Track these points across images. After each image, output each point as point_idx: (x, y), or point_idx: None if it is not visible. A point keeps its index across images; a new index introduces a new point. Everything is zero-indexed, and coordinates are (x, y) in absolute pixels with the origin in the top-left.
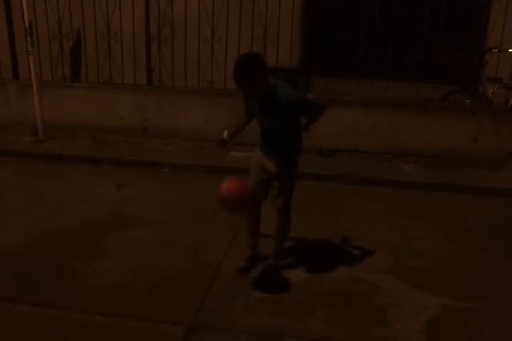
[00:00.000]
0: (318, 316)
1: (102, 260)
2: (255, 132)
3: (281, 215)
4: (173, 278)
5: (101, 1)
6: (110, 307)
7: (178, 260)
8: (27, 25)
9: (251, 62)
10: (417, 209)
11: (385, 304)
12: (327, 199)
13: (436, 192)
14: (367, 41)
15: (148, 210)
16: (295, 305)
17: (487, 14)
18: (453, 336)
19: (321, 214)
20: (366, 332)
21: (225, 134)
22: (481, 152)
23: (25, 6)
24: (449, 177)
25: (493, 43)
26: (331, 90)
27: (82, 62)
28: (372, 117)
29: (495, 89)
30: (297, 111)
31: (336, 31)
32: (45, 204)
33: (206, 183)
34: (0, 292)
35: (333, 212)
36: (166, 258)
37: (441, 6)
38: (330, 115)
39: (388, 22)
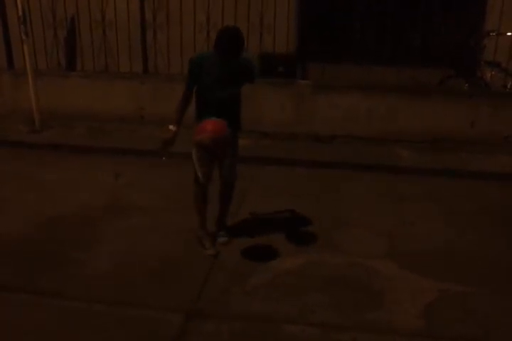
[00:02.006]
0: (314, 301)
1: (99, 248)
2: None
3: (233, 185)
4: (171, 266)
5: None
6: (108, 295)
7: (175, 247)
8: (20, 13)
9: (241, 33)
10: (414, 194)
11: (382, 288)
12: (324, 185)
13: (433, 176)
14: (363, 26)
15: (145, 198)
16: (292, 291)
17: None
18: (451, 320)
19: (318, 200)
20: (363, 316)
21: (171, 127)
22: (478, 136)
23: None
24: (445, 162)
25: (491, 27)
26: (328, 76)
27: (77, 50)
28: (369, 103)
29: (493, 73)
30: (251, 76)
31: (332, 17)
32: (42, 192)
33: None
34: None
35: (330, 198)
36: (164, 246)
37: None
38: (327, 101)
39: (384, 7)
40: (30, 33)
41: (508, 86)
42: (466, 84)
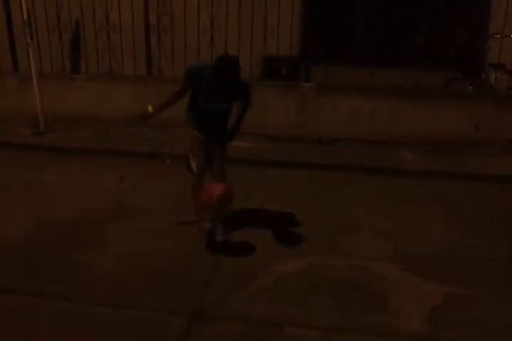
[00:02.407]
0: (317, 304)
1: (101, 250)
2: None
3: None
4: (173, 268)
5: None
6: (110, 298)
7: (177, 250)
8: (25, 16)
9: (237, 63)
10: (416, 197)
11: (384, 291)
12: (327, 187)
13: (436, 179)
14: (366, 29)
15: (148, 201)
16: (294, 293)
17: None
18: (454, 323)
19: (321, 203)
20: (366, 319)
21: (150, 108)
22: (483, 139)
23: None
24: (449, 165)
25: (496, 29)
26: (331, 78)
27: (82, 53)
28: (372, 105)
29: (497, 75)
30: (244, 97)
31: (335, 19)
32: (45, 195)
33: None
34: None
35: (333, 201)
36: (165, 248)
37: None
38: (330, 103)
39: (388, 9)
40: (35, 36)
41: None
42: (471, 87)
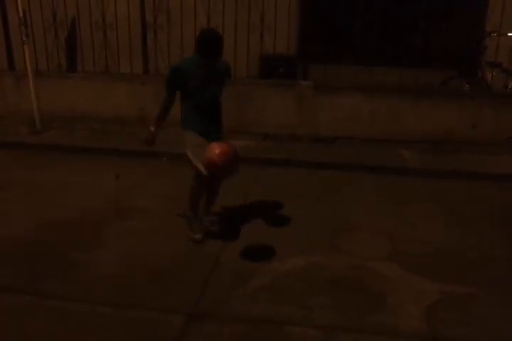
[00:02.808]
0: (316, 303)
1: (101, 250)
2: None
3: (220, 183)
4: (173, 268)
5: None
6: (110, 297)
7: (177, 250)
8: (21, 14)
9: (221, 35)
10: (416, 196)
11: (384, 291)
12: (326, 186)
13: (435, 178)
14: (365, 27)
15: (146, 200)
16: (294, 292)
17: None
18: (453, 322)
19: (320, 202)
20: (366, 318)
21: (152, 128)
22: (480, 137)
23: None
24: (447, 164)
25: (492, 27)
26: (330, 77)
27: (78, 51)
28: (371, 104)
29: (494, 73)
30: (228, 76)
31: (333, 18)
32: (44, 194)
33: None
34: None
35: (331, 200)
36: (166, 249)
37: None
38: (329, 102)
39: (386, 8)
40: (31, 35)
41: (509, 86)
42: (467, 85)
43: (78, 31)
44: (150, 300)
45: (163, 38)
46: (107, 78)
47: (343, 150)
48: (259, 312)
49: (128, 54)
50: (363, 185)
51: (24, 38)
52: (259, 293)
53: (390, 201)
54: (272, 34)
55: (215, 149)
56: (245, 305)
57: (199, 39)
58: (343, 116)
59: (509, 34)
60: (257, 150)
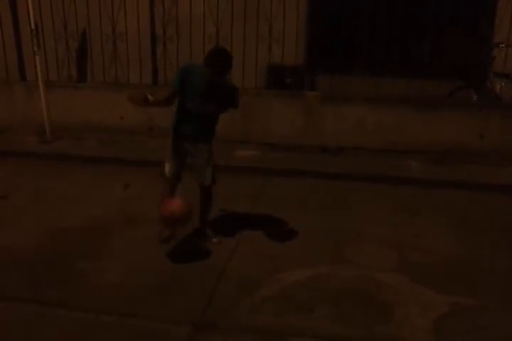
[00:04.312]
0: (323, 314)
1: (107, 259)
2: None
3: (209, 191)
4: (179, 278)
5: (106, 1)
6: (116, 306)
7: (184, 259)
8: (33, 26)
9: (231, 55)
10: (423, 206)
11: (391, 302)
12: (332, 196)
13: (443, 189)
14: (372, 38)
15: (153, 210)
16: (301, 303)
17: (494, 9)
18: (461, 334)
19: (327, 212)
20: (372, 330)
21: (150, 97)
22: (488, 148)
23: (30, 7)
24: (455, 174)
25: (500, 38)
26: (336, 88)
27: (88, 62)
28: (377, 114)
29: (502, 84)
30: (231, 99)
31: (340, 28)
32: (52, 203)
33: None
34: (6, 291)
35: (338, 210)
36: (172, 258)
37: (446, 1)
38: (336, 113)
39: (393, 18)
40: (42, 46)
41: None
42: (476, 96)
43: (89, 42)
44: (155, 310)
45: (172, 49)
46: (116, 89)
47: (349, 160)
48: (265, 323)
49: (137, 65)
50: (369, 196)
51: (35, 49)
52: (265, 303)
53: (398, 211)
54: (279, 45)
55: (172, 206)
56: (251, 316)
57: (209, 52)
58: (350, 126)
59: None
60: (263, 160)
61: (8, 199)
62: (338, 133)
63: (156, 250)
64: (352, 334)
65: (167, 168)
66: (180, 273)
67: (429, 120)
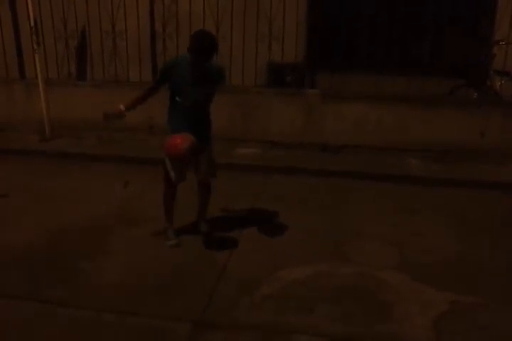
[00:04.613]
0: (323, 312)
1: (107, 257)
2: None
3: (209, 187)
4: (179, 276)
5: None
6: (116, 305)
7: (184, 257)
8: (32, 24)
9: (214, 36)
10: (423, 205)
11: (391, 300)
12: (332, 195)
13: (443, 187)
14: (372, 36)
15: (154, 208)
16: (301, 301)
17: (494, 7)
18: (461, 332)
19: (327, 210)
20: (372, 328)
21: (122, 107)
22: (488, 147)
23: (30, 5)
24: (455, 173)
25: (501, 36)
26: (337, 86)
27: (88, 60)
28: (377, 113)
29: (503, 82)
30: (220, 81)
31: (340, 27)
32: (52, 202)
33: (212, 180)
34: (6, 289)
35: (338, 208)
36: (173, 257)
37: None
38: (336, 111)
39: (393, 16)
40: (42, 43)
41: None
42: (476, 94)
43: (88, 40)
44: (156, 308)
45: (171, 47)
46: (116, 86)
47: (350, 158)
48: (265, 321)
49: (137, 62)
50: (369, 194)
51: (35, 47)
52: (265, 302)
53: (398, 210)
54: (279, 43)
55: (177, 138)
56: (251, 314)
57: (191, 37)
58: (350, 124)
59: None
60: (263, 158)
61: (7, 197)
62: (338, 131)
63: (156, 249)
64: (352, 333)
65: (173, 173)
66: (180, 271)
67: (429, 118)
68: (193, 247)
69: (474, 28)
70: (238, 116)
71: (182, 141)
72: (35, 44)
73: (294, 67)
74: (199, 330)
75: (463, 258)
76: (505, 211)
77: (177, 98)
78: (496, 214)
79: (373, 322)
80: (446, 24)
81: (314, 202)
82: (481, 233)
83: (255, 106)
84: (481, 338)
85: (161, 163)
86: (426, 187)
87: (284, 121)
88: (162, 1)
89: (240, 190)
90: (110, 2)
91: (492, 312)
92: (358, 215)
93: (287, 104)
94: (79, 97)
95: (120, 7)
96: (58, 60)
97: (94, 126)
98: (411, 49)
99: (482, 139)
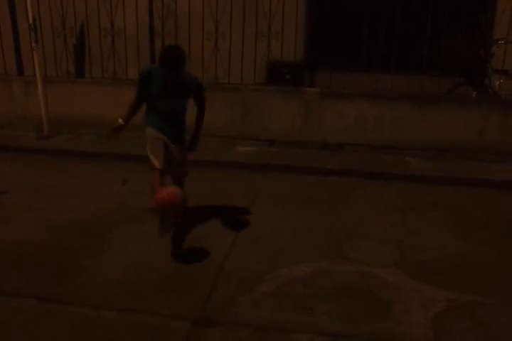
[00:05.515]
0: (323, 310)
1: (108, 255)
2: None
3: (183, 182)
4: (179, 274)
5: None
6: (117, 302)
7: (184, 255)
8: (31, 21)
9: (183, 50)
10: (422, 203)
11: (391, 298)
12: (331, 193)
13: (442, 185)
14: (371, 34)
15: (153, 205)
16: (300, 299)
17: (493, 5)
18: (460, 330)
19: (326, 208)
20: (372, 326)
21: (120, 121)
22: (487, 145)
23: (28, 2)
24: (454, 171)
25: (500, 35)
26: (336, 84)
27: (86, 57)
28: (377, 111)
29: (501, 81)
30: (196, 93)
31: (340, 24)
32: (51, 199)
33: (211, 178)
34: (7, 286)
35: (337, 206)
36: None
37: None
38: (335, 109)
39: (393, 15)
40: (40, 41)
41: None
42: (474, 93)
43: (87, 38)
44: (156, 306)
45: None
46: (114, 84)
47: (349, 156)
48: (264, 319)
49: (136, 60)
50: (369, 192)
51: (33, 44)
52: (265, 299)
53: (397, 208)
54: (279, 41)
55: (164, 192)
56: (251, 312)
57: (160, 53)
58: (349, 122)
59: None
60: (262, 156)
61: (7, 194)
62: (337, 129)
63: (156, 246)
64: (352, 330)
65: (156, 162)
66: (181, 269)
67: (428, 116)
68: (192, 244)
69: (473, 26)
70: (237, 114)
71: (169, 196)
72: (34, 41)
73: (293, 65)
74: (198, 328)
75: (461, 256)
76: (503, 209)
77: (153, 102)
78: (494, 212)
79: (373, 320)
80: (445, 23)
81: (313, 200)
82: (480, 231)
83: (254, 104)
84: (479, 336)
85: None
86: (424, 185)
87: (283, 119)
88: None
89: (239, 187)
90: None
91: (491, 310)
92: (356, 213)
93: (286, 102)
94: (77, 95)
95: (119, 4)
96: (57, 57)
97: (92, 123)
98: (410, 47)
99: (480, 137)
